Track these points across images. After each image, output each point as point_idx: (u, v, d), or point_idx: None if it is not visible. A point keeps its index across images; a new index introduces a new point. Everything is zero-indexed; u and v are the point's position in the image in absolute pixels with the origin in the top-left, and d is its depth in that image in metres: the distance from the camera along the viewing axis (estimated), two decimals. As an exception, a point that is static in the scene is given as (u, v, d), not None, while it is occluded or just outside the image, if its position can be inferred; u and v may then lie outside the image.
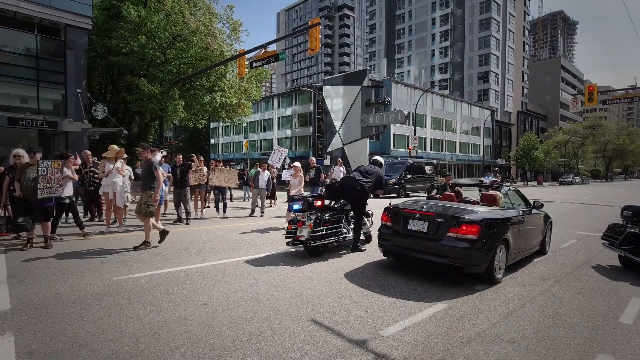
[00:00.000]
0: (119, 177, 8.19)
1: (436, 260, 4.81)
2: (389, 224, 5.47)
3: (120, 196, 8.17)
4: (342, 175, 14.94)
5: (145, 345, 3.00)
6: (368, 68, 36.75)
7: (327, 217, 6.19)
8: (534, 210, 6.27)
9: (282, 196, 16.70)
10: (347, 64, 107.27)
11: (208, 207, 12.19)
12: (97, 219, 9.54)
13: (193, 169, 10.05)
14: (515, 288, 4.82)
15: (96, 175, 8.86)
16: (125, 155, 8.78)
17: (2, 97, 17.12)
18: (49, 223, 6.58)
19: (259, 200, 11.83)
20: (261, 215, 11.64)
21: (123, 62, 19.70)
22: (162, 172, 7.22)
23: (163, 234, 6.77)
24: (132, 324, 3.39)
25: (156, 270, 5.17)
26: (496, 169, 21.83)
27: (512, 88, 74.00)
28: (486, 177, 17.80)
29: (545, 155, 57.22)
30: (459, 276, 5.05)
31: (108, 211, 8.35)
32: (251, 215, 11.60)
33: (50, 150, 17.38)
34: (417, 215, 5.08)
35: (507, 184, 23.17)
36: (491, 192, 6.01)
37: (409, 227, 5.13)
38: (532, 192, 30.45)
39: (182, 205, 9.67)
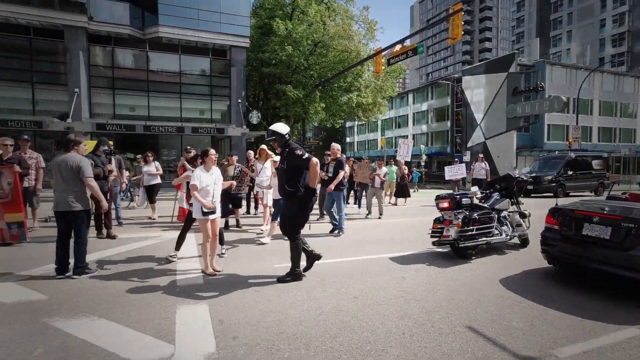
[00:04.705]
0: (266, 176, 9.05)
1: (623, 274, 3.97)
2: (556, 227, 4.75)
3: (267, 194, 8.93)
4: (483, 172, 13.64)
5: (307, 329, 3.28)
6: (516, 52, 32.39)
7: (477, 217, 5.74)
8: None
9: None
10: (489, 50, 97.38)
11: (348, 203, 12.67)
12: (256, 210, 10.84)
13: None
14: None
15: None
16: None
17: (188, 111, 21.39)
18: (239, 210, 8.50)
19: (375, 200, 10.76)
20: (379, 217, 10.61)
21: (273, 72, 22.15)
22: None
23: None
24: (294, 308, 3.76)
25: (304, 261, 5.58)
26: None
27: None
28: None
29: None
30: (657, 297, 4.06)
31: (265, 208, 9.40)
32: (366, 217, 10.75)
33: (219, 152, 20.78)
34: (595, 219, 4.27)
35: None
36: None
37: (584, 232, 4.36)
38: None
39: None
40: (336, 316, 3.57)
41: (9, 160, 6.60)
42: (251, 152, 10.23)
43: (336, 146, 8.28)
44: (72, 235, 4.73)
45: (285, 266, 5.31)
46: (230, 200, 7.90)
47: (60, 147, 5.15)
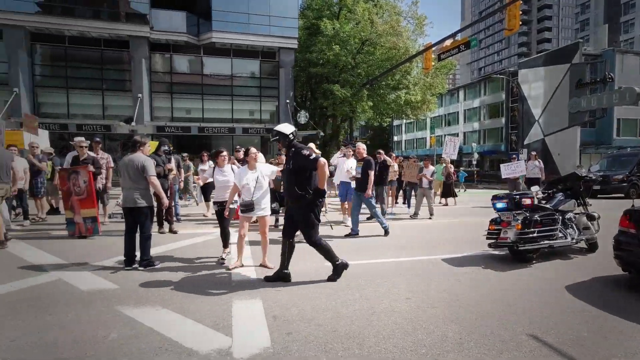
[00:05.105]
0: None
1: None
2: (632, 230, 4.34)
3: None
4: (537, 171, 12.79)
5: (359, 329, 3.26)
6: (580, 40, 29.70)
7: (538, 218, 5.39)
8: None
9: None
10: (549, 41, 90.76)
11: (397, 203, 12.47)
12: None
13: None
14: None
15: None
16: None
17: (239, 112, 22.26)
18: None
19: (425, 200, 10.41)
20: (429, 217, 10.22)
21: (320, 71, 22.34)
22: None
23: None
24: (345, 307, 3.76)
25: (356, 260, 5.52)
26: None
27: None
28: None
29: None
30: None
31: None
32: (413, 216, 10.32)
33: (268, 152, 21.34)
34: (680, 223, 3.85)
35: None
36: None
37: (666, 238, 3.94)
38: None
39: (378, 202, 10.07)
40: (389, 317, 3.52)
41: (84, 161, 7.27)
42: None
43: (361, 146, 8.05)
44: (138, 230, 5.09)
45: (335, 265, 5.32)
46: (281, 199, 8.14)
47: (127, 148, 5.60)
